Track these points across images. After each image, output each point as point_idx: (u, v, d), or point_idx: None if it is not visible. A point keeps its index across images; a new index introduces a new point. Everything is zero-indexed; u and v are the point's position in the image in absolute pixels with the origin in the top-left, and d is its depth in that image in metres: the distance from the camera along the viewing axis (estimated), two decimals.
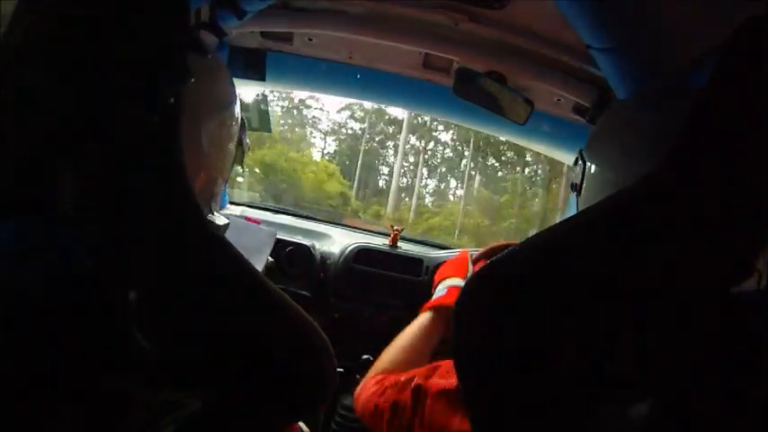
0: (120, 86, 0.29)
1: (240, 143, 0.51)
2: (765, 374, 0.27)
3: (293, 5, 0.86)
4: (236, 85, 0.50)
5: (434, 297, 0.72)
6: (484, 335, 0.33)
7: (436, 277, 0.79)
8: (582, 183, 0.53)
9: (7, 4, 0.30)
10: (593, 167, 0.52)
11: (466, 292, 0.35)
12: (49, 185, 0.31)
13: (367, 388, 0.59)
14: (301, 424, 0.64)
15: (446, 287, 0.73)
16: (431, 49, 0.90)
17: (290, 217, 1.49)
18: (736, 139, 0.27)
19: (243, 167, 0.55)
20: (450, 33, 0.85)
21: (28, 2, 0.31)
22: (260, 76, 1.01)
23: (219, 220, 0.48)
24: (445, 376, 0.48)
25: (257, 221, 1.18)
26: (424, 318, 0.68)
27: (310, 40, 0.95)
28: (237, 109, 0.49)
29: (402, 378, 0.52)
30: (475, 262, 0.79)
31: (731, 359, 0.28)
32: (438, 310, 0.68)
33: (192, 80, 0.36)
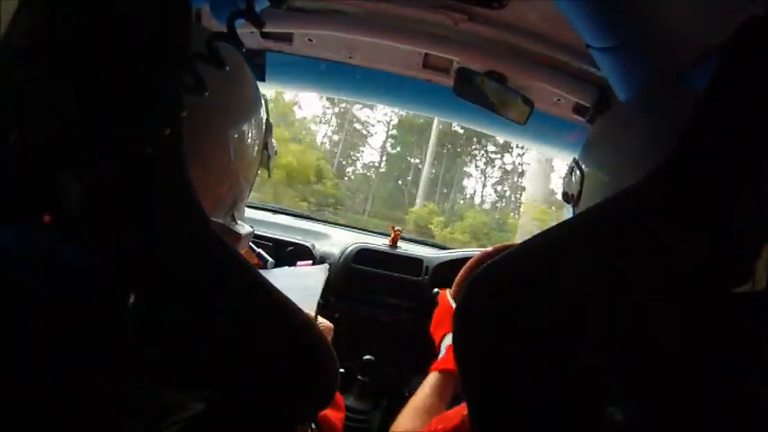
0: (129, 98, 0.29)
1: (266, 147, 0.50)
2: (766, 374, 0.27)
3: (293, 5, 0.86)
4: (260, 93, 0.48)
5: (440, 357, 0.73)
6: (483, 339, 0.33)
7: (433, 333, 0.80)
8: (580, 193, 0.52)
9: (8, 4, 0.30)
10: (587, 174, 0.52)
11: (464, 298, 0.35)
12: (51, 188, 0.31)
13: None
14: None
15: (446, 347, 0.74)
16: (431, 49, 0.90)
17: (289, 217, 1.49)
18: (738, 140, 0.27)
19: (269, 172, 0.53)
20: (450, 33, 0.85)
21: (29, 3, 0.30)
22: (260, 77, 1.02)
23: (243, 229, 0.47)
24: (444, 421, 0.51)
25: (308, 263, 1.09)
26: (432, 379, 0.69)
27: (310, 40, 0.95)
28: (263, 112, 0.47)
29: None
30: (456, 294, 0.82)
31: (732, 359, 0.28)
32: (444, 371, 0.69)
33: (207, 93, 0.35)
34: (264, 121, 0.48)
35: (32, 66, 0.30)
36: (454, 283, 0.84)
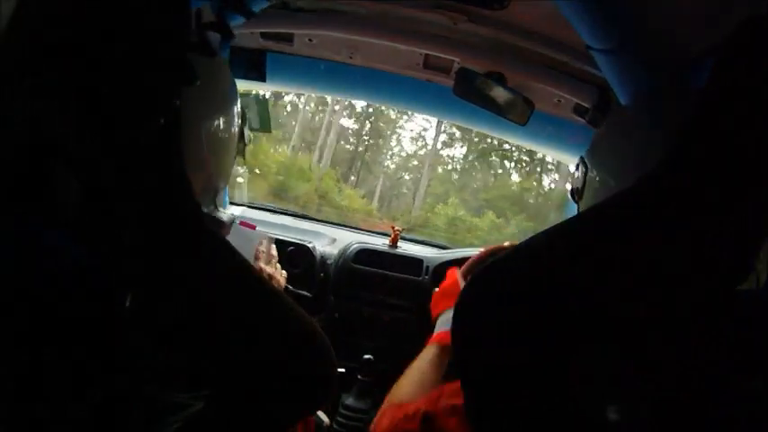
0: (126, 89, 0.29)
1: (241, 136, 0.51)
2: (766, 374, 0.27)
3: (293, 6, 0.86)
4: (236, 85, 0.49)
5: (437, 331, 0.72)
6: (484, 339, 0.33)
7: (432, 307, 0.78)
8: (583, 188, 0.53)
9: (7, 5, 0.30)
10: (593, 175, 0.52)
11: (464, 297, 0.35)
12: (49, 186, 0.31)
13: (381, 425, 0.58)
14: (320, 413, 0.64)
15: (448, 320, 0.72)
16: (431, 50, 0.90)
17: (289, 217, 1.49)
18: (737, 139, 0.27)
19: (243, 160, 0.55)
20: (450, 34, 0.85)
21: (28, 3, 0.31)
22: (260, 77, 1.02)
23: (224, 216, 0.48)
24: (453, 396, 0.49)
25: (253, 226, 1.13)
26: (429, 352, 0.68)
27: (310, 40, 0.95)
28: (238, 102, 0.49)
29: (411, 410, 0.52)
30: (466, 275, 0.79)
31: (733, 358, 0.28)
32: (442, 344, 0.68)
33: (198, 83, 0.35)
34: (240, 111, 0.49)
35: (31, 64, 0.30)
36: (467, 263, 0.80)
